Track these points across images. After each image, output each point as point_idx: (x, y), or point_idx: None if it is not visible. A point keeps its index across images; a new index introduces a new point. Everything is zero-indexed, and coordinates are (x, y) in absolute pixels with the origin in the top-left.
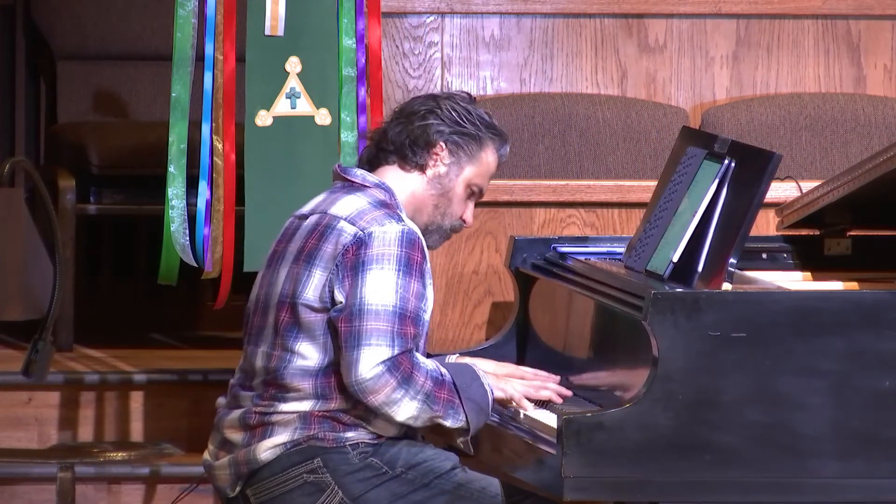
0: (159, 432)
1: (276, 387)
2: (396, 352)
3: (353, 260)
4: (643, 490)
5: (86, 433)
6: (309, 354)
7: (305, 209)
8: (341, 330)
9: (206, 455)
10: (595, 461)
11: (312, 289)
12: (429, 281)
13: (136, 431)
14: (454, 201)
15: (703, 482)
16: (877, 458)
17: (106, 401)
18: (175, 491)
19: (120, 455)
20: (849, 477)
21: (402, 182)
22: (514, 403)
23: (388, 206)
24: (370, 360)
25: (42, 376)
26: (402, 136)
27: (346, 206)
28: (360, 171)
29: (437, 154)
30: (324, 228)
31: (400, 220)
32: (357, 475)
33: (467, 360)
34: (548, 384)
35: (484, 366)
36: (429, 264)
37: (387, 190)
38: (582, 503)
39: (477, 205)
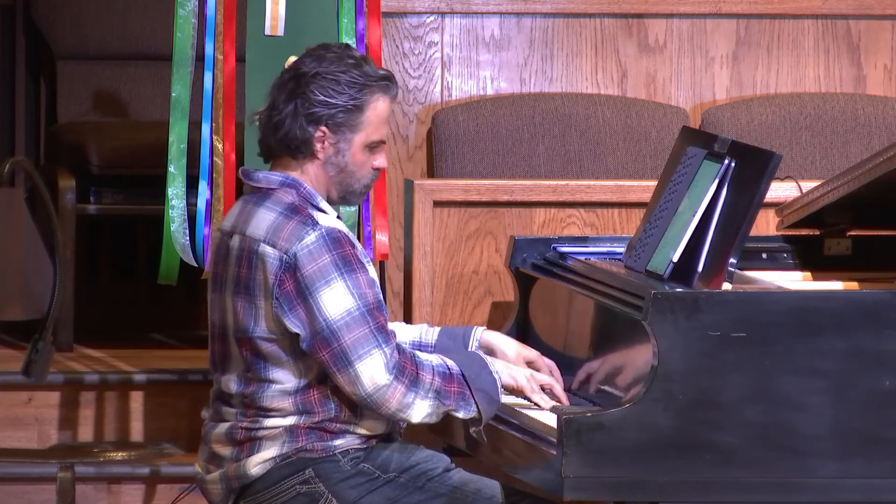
0: (159, 432)
1: (257, 407)
2: (387, 350)
3: (294, 287)
4: (643, 490)
5: (86, 433)
6: (284, 379)
7: (226, 224)
8: (325, 358)
9: (197, 468)
10: (595, 461)
11: (262, 322)
12: (366, 261)
13: (136, 431)
14: (356, 168)
15: (703, 482)
16: (877, 457)
17: (106, 401)
18: (175, 491)
19: (120, 455)
20: (849, 477)
21: (301, 170)
22: (524, 391)
23: (298, 211)
24: (368, 372)
25: (42, 376)
26: (279, 135)
27: (260, 223)
28: (262, 174)
29: (320, 140)
30: (248, 255)
31: (314, 223)
32: (350, 482)
33: (492, 336)
34: (554, 387)
35: (507, 347)
36: (359, 246)
37: (293, 185)
38: (582, 503)
39: (477, 205)
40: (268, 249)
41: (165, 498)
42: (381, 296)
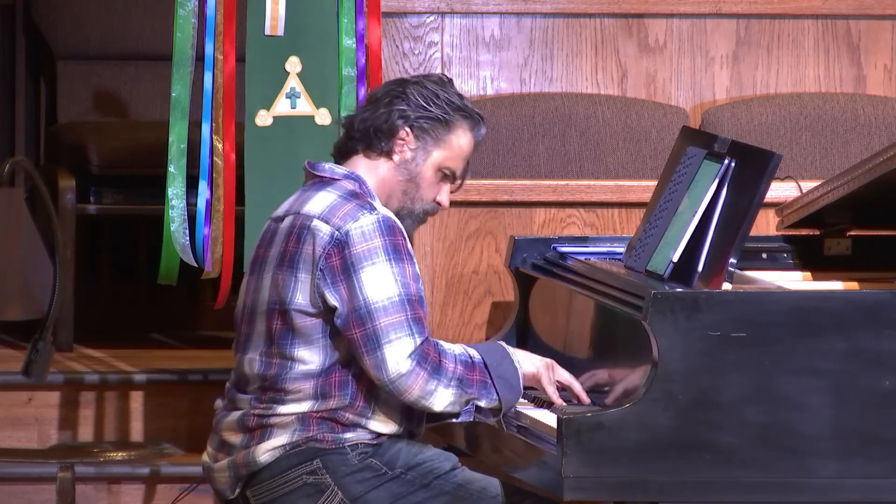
0: (159, 432)
1: (275, 390)
2: (418, 340)
3: (341, 263)
4: (643, 490)
5: (86, 433)
6: (309, 359)
7: (280, 211)
8: (356, 336)
9: (205, 457)
10: (595, 461)
11: (301, 294)
12: (415, 259)
13: (136, 431)
14: (423, 186)
15: (703, 482)
16: (877, 457)
17: (106, 401)
18: (175, 491)
19: (120, 455)
20: (849, 477)
21: (370, 169)
22: (541, 381)
23: (358, 197)
24: (396, 357)
25: (42, 376)
26: (367, 123)
27: (317, 203)
28: (328, 165)
29: (402, 140)
30: (300, 230)
31: (372, 208)
32: (356, 476)
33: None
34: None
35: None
36: (410, 244)
37: (356, 179)
38: (582, 503)
39: (477, 205)
40: (321, 224)
41: (165, 498)
42: (423, 293)
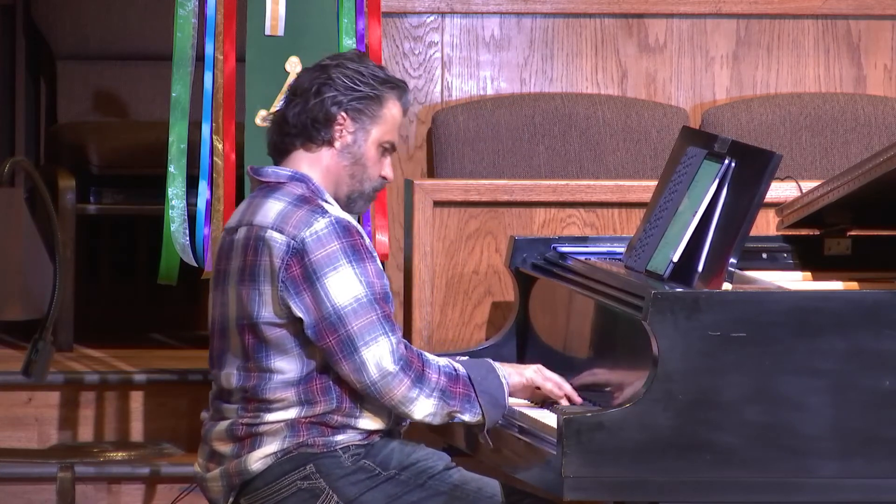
0: (159, 432)
1: (259, 401)
2: (393, 338)
3: (301, 272)
4: (643, 490)
5: (86, 433)
6: (287, 368)
7: (232, 221)
8: (331, 343)
9: (196, 467)
10: (595, 461)
11: (266, 307)
12: (375, 254)
13: (136, 431)
14: (368, 165)
15: (703, 482)
16: (877, 457)
17: (106, 401)
18: (175, 491)
19: (120, 455)
20: (849, 477)
21: (313, 163)
22: (534, 383)
23: (308, 201)
24: (373, 359)
25: (42, 376)
26: (302, 117)
27: (268, 212)
28: (271, 169)
29: (340, 125)
30: (255, 242)
31: (324, 212)
32: (350, 478)
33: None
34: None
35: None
36: (367, 239)
37: (301, 179)
38: (582, 503)
39: (477, 205)
40: (275, 235)
41: (165, 498)
42: (389, 288)
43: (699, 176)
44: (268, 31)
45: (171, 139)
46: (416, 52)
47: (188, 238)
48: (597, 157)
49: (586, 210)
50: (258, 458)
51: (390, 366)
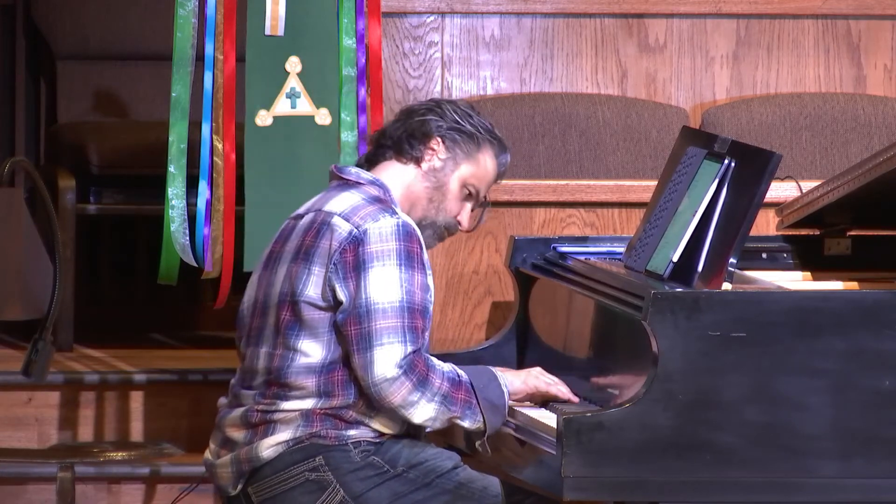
0: (159, 432)
1: (279, 385)
2: (409, 349)
3: (353, 259)
4: (643, 490)
5: (86, 433)
6: (312, 352)
7: (301, 209)
8: (351, 333)
9: (207, 454)
10: (595, 461)
11: (313, 286)
12: (429, 271)
13: (136, 431)
14: (448, 197)
15: (703, 482)
16: (877, 457)
17: (106, 401)
18: (175, 491)
19: (120, 455)
20: (849, 477)
21: (397, 176)
22: (539, 389)
23: (381, 202)
24: (385, 361)
25: (42, 376)
26: (399, 131)
27: (340, 202)
28: (354, 169)
29: (433, 148)
30: (319, 225)
31: (394, 213)
32: (358, 474)
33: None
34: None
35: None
36: (427, 254)
37: (381, 186)
38: (582, 503)
39: None
40: (341, 221)
41: (165, 498)
42: (430, 305)
43: (699, 176)
44: (268, 31)
45: (171, 139)
46: (416, 52)
47: (188, 238)
48: (597, 157)
49: (586, 210)
50: (269, 446)
51: (392, 370)
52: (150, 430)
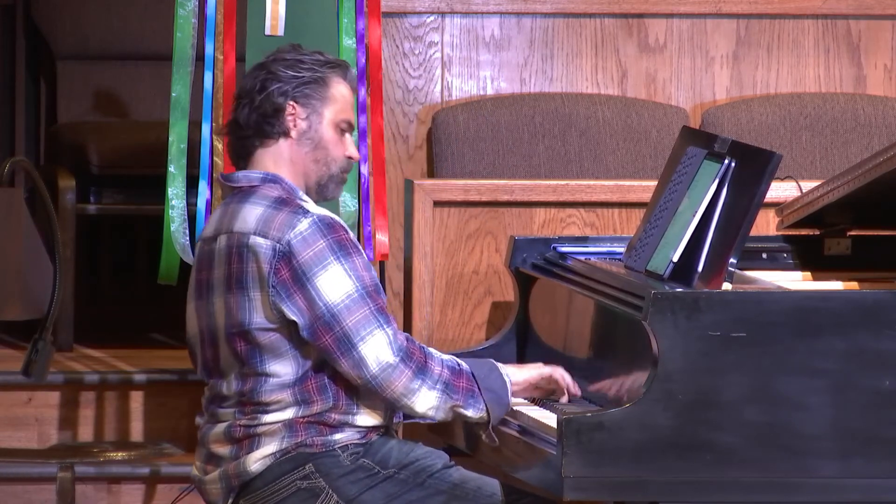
0: (159, 432)
1: (255, 403)
2: (389, 330)
3: (291, 275)
4: (643, 490)
5: (86, 433)
6: (282, 371)
7: (208, 231)
8: (327, 342)
9: (194, 470)
10: (595, 461)
11: (257, 313)
12: (360, 248)
13: (136, 431)
14: (330, 147)
15: (703, 482)
16: (877, 457)
17: (106, 401)
18: (175, 491)
19: (120, 455)
20: (849, 477)
21: (277, 158)
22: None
23: (286, 203)
24: (372, 353)
25: (42, 376)
26: (252, 116)
27: (247, 218)
28: (241, 174)
29: (291, 114)
30: (239, 249)
31: (305, 212)
32: (350, 477)
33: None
34: (564, 376)
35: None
36: (352, 233)
37: (274, 179)
38: (582, 503)
39: (477, 205)
40: (259, 240)
41: (165, 498)
42: (378, 280)
43: (699, 176)
44: (268, 31)
45: (171, 139)
46: (416, 52)
47: (188, 238)
48: (597, 157)
49: (586, 210)
50: (257, 459)
51: (389, 357)
52: (150, 430)
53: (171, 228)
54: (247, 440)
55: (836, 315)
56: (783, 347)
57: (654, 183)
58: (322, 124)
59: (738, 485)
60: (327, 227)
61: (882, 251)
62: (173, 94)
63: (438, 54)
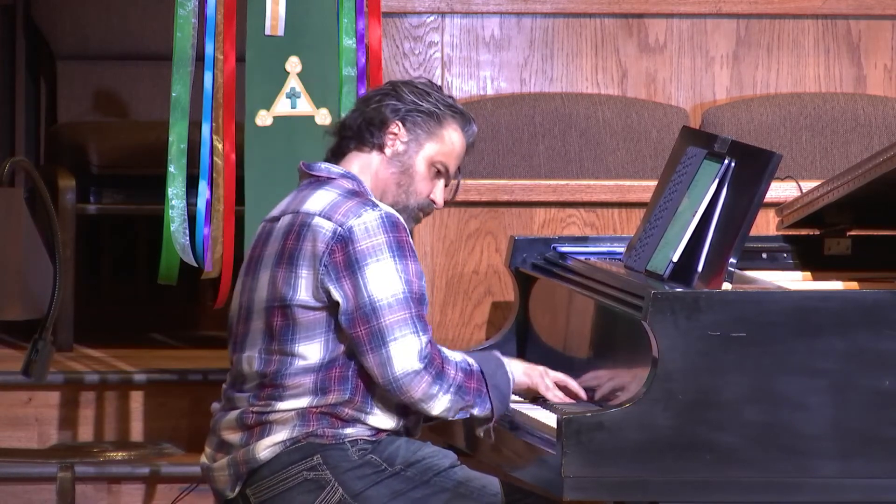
0: (159, 432)
1: (274, 387)
2: (423, 338)
3: (344, 259)
4: (643, 490)
5: (86, 433)
6: (309, 354)
7: (275, 211)
8: (361, 333)
9: (204, 458)
10: (595, 461)
11: (303, 290)
12: (417, 255)
13: (136, 431)
14: (416, 179)
15: (702, 482)
16: (877, 457)
17: (106, 401)
18: (175, 491)
19: (120, 455)
20: (849, 477)
21: (364, 165)
22: (538, 389)
23: (358, 195)
24: (401, 355)
25: (42, 376)
26: (358, 120)
27: (317, 201)
28: (324, 165)
29: (393, 133)
30: (299, 227)
31: (375, 205)
32: (356, 472)
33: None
34: (569, 382)
35: (515, 368)
36: (412, 238)
37: (352, 178)
38: (582, 503)
39: (477, 205)
40: (322, 221)
41: (165, 498)
42: (426, 291)
43: (699, 176)
44: (268, 31)
45: (171, 139)
46: (416, 52)
47: (188, 238)
48: (597, 157)
49: (586, 210)
50: (266, 447)
51: (415, 363)
52: (150, 430)
53: (171, 228)
54: (258, 427)
55: (836, 315)
56: (783, 347)
57: (654, 183)
58: (418, 155)
59: (738, 485)
60: (392, 224)
61: (882, 251)
62: (173, 94)
63: (438, 54)
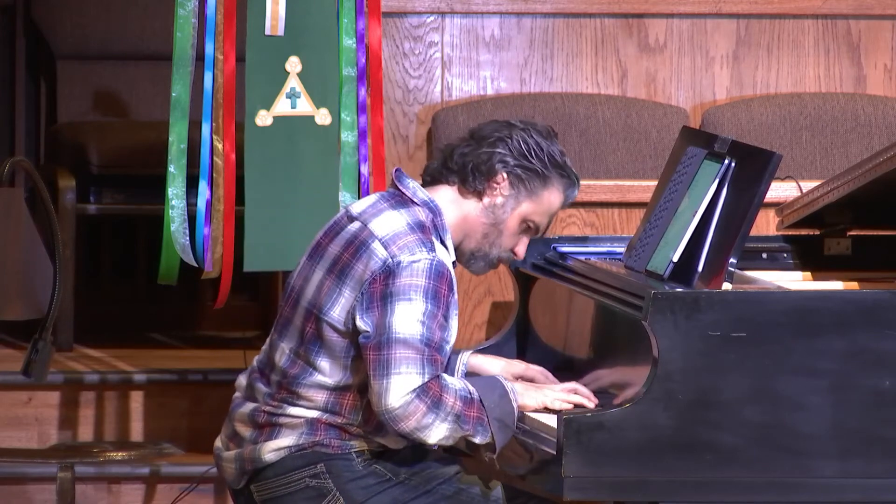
0: (159, 432)
1: (290, 391)
2: (427, 378)
3: (381, 290)
4: (643, 490)
5: (86, 433)
6: (328, 371)
7: (356, 209)
8: (370, 358)
9: (218, 442)
10: (595, 461)
11: (339, 308)
12: (454, 312)
13: (136, 431)
14: (505, 234)
15: (703, 482)
16: (877, 457)
17: (106, 401)
18: (175, 491)
19: (120, 455)
20: (849, 477)
21: (455, 204)
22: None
23: (424, 231)
24: (399, 389)
25: (42, 376)
26: (466, 159)
27: (385, 223)
28: (413, 184)
29: (496, 184)
30: (359, 244)
31: (432, 248)
32: (360, 482)
33: (478, 359)
34: (579, 389)
35: (493, 367)
36: (456, 296)
37: (434, 209)
38: (582, 503)
39: None
40: (379, 247)
41: (165, 498)
42: (448, 347)
43: (699, 176)
44: (268, 31)
45: (171, 139)
46: (416, 52)
47: (188, 238)
48: (597, 157)
49: (586, 210)
50: (272, 449)
51: (407, 396)
52: (150, 430)
53: (171, 228)
54: (267, 427)
55: (836, 315)
56: (783, 347)
57: (654, 183)
58: (514, 211)
59: (738, 485)
60: (437, 273)
61: (882, 251)
62: (173, 94)
63: (438, 54)
